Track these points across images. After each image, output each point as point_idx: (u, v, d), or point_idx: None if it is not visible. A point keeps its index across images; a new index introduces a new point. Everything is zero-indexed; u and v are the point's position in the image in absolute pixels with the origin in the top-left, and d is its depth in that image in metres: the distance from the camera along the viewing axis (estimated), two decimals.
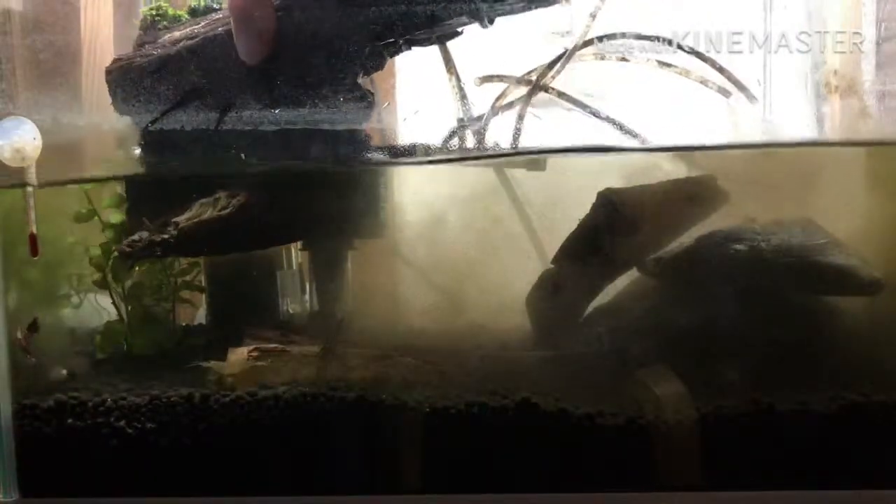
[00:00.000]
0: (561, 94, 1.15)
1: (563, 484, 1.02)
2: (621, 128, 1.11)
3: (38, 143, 1.04)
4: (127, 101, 1.12)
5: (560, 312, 1.24)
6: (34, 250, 1.06)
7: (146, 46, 1.12)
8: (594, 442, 1.02)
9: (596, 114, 1.12)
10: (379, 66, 1.06)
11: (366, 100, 1.06)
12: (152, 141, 1.12)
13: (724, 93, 1.13)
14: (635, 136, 1.11)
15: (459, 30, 1.09)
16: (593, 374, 1.11)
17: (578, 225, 1.21)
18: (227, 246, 1.22)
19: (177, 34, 1.11)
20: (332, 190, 1.21)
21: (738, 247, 1.12)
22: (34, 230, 1.06)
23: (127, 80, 1.11)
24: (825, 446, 1.01)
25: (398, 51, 1.07)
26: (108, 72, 1.13)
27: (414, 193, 1.29)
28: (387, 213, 1.27)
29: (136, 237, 1.18)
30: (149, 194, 1.24)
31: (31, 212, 1.06)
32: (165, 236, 1.16)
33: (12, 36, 1.12)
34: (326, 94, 1.05)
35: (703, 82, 1.13)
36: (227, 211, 1.16)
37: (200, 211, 1.17)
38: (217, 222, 1.16)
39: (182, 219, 1.18)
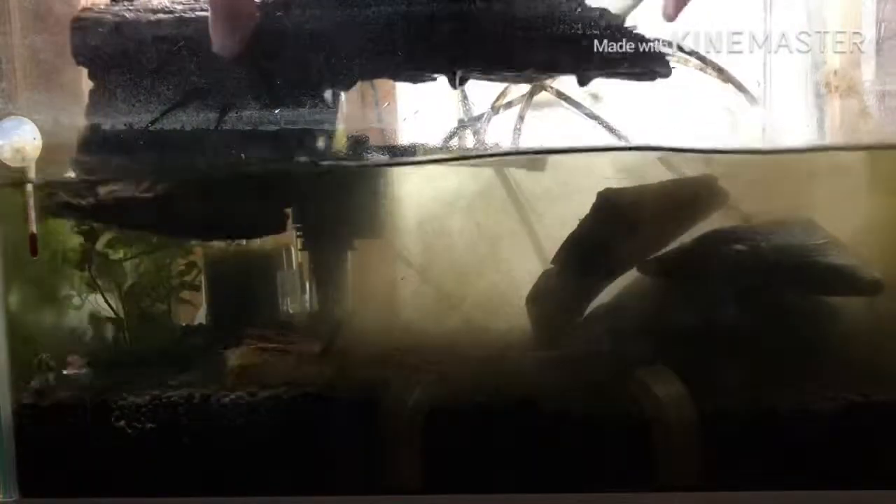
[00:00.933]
0: (560, 94, 1.15)
1: (563, 484, 1.02)
2: (614, 131, 1.11)
3: (38, 143, 1.04)
4: (88, 55, 1.10)
5: (560, 312, 1.24)
6: (34, 250, 1.06)
7: (122, 3, 1.10)
8: (594, 442, 1.02)
9: (591, 115, 1.12)
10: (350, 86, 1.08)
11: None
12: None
13: (724, 80, 1.13)
14: (624, 138, 1.11)
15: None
16: (593, 375, 1.11)
17: (578, 225, 1.21)
18: (137, 226, 1.24)
19: (154, 2, 1.08)
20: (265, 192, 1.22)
21: (738, 247, 1.12)
22: (34, 230, 1.06)
23: (94, 34, 1.09)
24: (825, 447, 1.01)
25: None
26: (76, 19, 1.10)
27: (382, 193, 1.29)
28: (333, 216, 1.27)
29: (53, 191, 1.16)
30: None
31: (30, 211, 1.06)
32: (82, 201, 1.16)
33: (12, 36, 1.12)
34: (291, 102, 1.06)
35: (702, 69, 1.12)
36: (147, 195, 1.15)
37: (123, 188, 1.16)
38: (132, 202, 1.16)
39: (103, 190, 1.17)
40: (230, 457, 1.05)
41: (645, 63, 1.03)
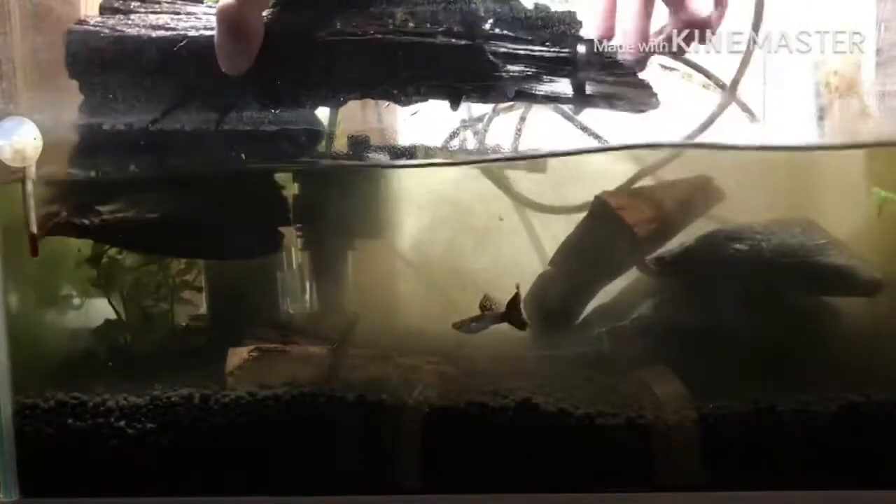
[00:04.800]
0: None
1: (563, 484, 1.02)
2: (589, 131, 1.12)
3: (39, 143, 1.04)
4: (82, 69, 1.08)
5: (559, 313, 1.24)
6: (34, 250, 1.06)
7: (118, 17, 1.08)
8: (594, 442, 1.02)
9: (569, 117, 1.12)
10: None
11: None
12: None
13: (727, 94, 1.13)
14: (599, 138, 1.12)
15: None
16: (592, 375, 1.11)
17: (576, 226, 1.21)
18: (141, 246, 1.22)
19: (152, 18, 1.06)
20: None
21: (738, 247, 1.12)
22: (34, 230, 1.06)
23: (88, 49, 1.07)
24: (825, 447, 1.01)
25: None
26: (70, 32, 1.08)
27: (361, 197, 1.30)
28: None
29: (54, 209, 1.15)
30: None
31: (30, 212, 1.06)
32: (85, 221, 1.14)
33: (12, 36, 1.12)
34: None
35: (706, 87, 1.13)
36: (151, 216, 1.15)
37: (127, 208, 1.15)
38: (137, 223, 1.15)
39: (106, 209, 1.15)
40: (230, 457, 1.06)
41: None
